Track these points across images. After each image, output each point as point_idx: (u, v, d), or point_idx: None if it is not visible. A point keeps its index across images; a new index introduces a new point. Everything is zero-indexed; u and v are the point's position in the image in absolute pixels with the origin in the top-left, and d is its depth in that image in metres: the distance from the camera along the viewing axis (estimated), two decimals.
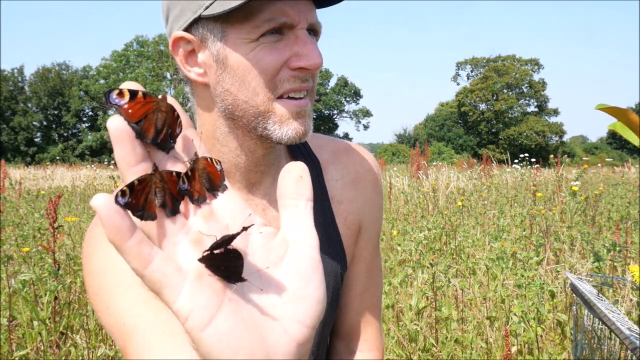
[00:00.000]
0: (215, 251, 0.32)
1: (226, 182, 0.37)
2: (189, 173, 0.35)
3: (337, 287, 0.81)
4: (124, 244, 0.30)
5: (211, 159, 0.37)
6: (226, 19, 0.64)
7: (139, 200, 0.32)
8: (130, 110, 0.33)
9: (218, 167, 0.37)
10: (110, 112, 0.34)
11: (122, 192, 0.32)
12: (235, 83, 0.65)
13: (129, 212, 0.32)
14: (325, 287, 0.36)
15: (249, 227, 0.33)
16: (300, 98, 0.66)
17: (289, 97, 0.66)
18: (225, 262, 0.32)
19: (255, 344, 0.32)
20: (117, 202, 0.31)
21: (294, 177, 0.37)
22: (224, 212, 0.36)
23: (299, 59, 0.64)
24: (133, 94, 0.34)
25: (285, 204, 0.37)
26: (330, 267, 0.79)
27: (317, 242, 0.37)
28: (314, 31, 0.68)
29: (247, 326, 0.32)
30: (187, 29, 0.66)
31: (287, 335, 0.33)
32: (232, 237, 0.32)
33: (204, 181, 0.36)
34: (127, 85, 0.34)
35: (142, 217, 0.33)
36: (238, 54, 0.64)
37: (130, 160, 0.33)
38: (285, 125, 0.65)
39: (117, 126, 0.32)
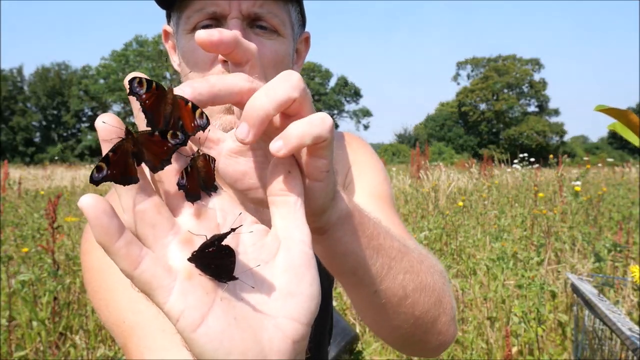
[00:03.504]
0: (209, 249, 0.32)
1: (217, 183, 0.37)
2: (189, 169, 0.35)
3: (330, 285, 0.81)
4: (112, 245, 0.29)
5: (209, 156, 0.36)
6: (178, 11, 0.65)
7: (118, 169, 0.31)
8: (147, 101, 0.33)
9: (213, 166, 0.36)
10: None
11: (98, 168, 0.31)
12: (182, 74, 0.68)
13: (113, 184, 0.31)
14: (320, 283, 0.35)
15: (237, 227, 0.32)
16: None
17: None
18: (216, 260, 0.32)
19: (248, 343, 0.31)
20: (92, 180, 0.30)
21: (283, 172, 0.37)
22: (214, 212, 0.36)
23: None
24: (149, 84, 0.33)
25: (274, 200, 0.37)
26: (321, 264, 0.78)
27: (309, 237, 0.36)
28: (259, 21, 0.63)
29: (240, 325, 0.32)
30: (169, 23, 0.71)
31: (281, 333, 0.33)
32: (221, 237, 0.32)
33: (200, 179, 0.35)
34: (136, 75, 0.33)
35: (124, 183, 0.32)
36: (181, 45, 0.66)
37: None
38: (215, 120, 0.63)
39: (105, 125, 0.31)
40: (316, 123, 0.35)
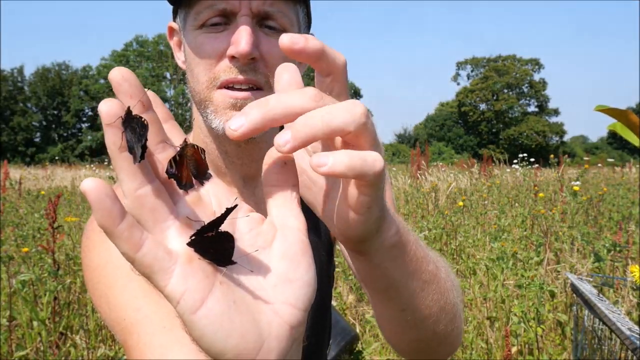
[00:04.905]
0: (208, 234, 0.32)
1: (210, 171, 0.37)
2: (177, 158, 0.35)
3: (328, 275, 0.81)
4: (115, 228, 0.29)
5: (197, 146, 0.36)
6: (186, 7, 0.65)
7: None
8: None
9: (203, 156, 0.37)
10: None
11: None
12: (188, 70, 0.68)
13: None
14: (315, 270, 0.36)
15: (233, 207, 0.33)
16: (242, 89, 0.63)
17: (228, 87, 0.63)
18: (215, 244, 0.32)
19: (247, 326, 0.32)
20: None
21: (278, 163, 0.37)
22: (210, 199, 0.36)
23: (231, 47, 0.62)
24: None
25: (270, 191, 0.37)
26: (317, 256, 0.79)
27: (304, 225, 0.36)
28: (268, 20, 0.63)
29: (239, 309, 0.32)
30: (175, 19, 0.71)
31: (279, 319, 0.33)
32: (219, 220, 0.32)
33: (191, 168, 0.36)
34: (117, 71, 0.32)
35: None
36: (187, 41, 0.66)
37: (120, 143, 0.32)
38: (220, 116, 0.63)
39: (109, 110, 0.31)
40: (368, 161, 0.34)
